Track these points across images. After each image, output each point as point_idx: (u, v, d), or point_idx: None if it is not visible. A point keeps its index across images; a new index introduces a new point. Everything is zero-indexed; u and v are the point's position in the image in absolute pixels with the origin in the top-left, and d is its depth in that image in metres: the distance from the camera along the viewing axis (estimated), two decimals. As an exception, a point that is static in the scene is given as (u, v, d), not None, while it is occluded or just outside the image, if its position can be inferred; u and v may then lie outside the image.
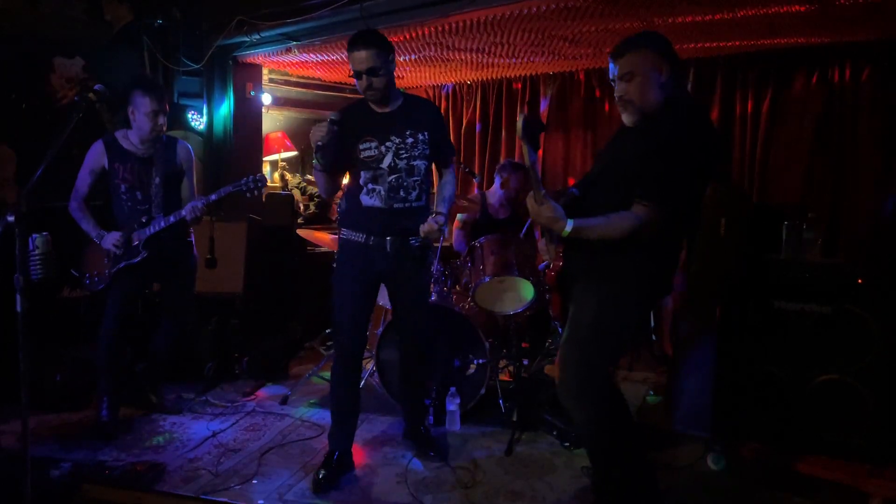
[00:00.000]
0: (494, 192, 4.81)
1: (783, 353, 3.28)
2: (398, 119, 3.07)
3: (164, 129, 3.60)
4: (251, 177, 3.43)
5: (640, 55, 2.42)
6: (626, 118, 2.52)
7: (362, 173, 3.06)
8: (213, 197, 3.48)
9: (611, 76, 2.52)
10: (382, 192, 3.05)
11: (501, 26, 4.00)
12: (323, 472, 3.14)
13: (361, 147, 3.03)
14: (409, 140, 3.06)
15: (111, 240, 3.52)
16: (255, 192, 3.45)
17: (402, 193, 3.07)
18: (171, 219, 3.50)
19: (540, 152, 5.78)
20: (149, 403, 3.95)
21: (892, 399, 3.05)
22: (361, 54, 2.91)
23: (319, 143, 2.90)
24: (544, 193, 2.36)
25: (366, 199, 3.07)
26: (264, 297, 5.05)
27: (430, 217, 3.07)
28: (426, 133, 3.10)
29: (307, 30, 4.53)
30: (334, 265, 4.38)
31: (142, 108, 3.48)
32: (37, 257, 2.94)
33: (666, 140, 2.34)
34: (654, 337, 4.99)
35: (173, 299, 3.90)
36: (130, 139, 3.59)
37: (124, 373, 3.83)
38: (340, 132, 2.92)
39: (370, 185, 3.05)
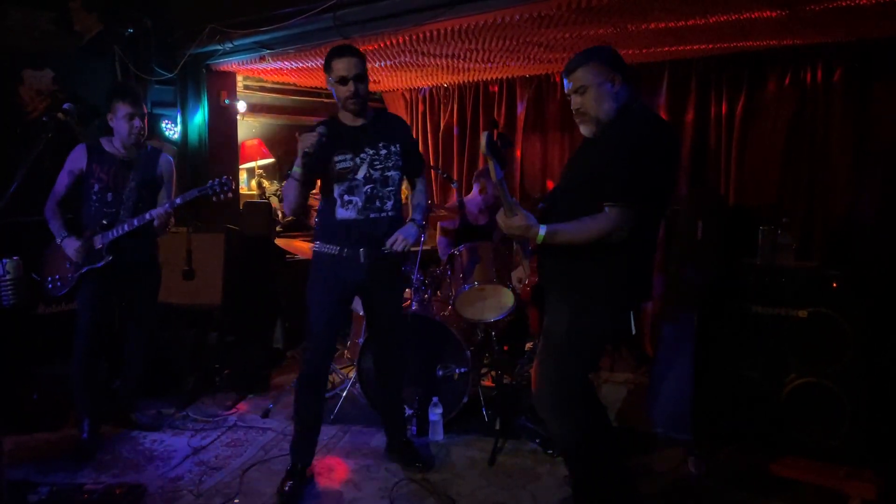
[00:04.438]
0: (473, 199, 4.81)
1: (760, 356, 3.31)
2: (370, 132, 3.13)
3: (144, 133, 3.59)
4: (217, 180, 3.39)
5: (591, 69, 2.50)
6: (584, 130, 2.59)
7: (336, 186, 3.09)
8: (178, 200, 3.45)
9: (566, 91, 2.59)
10: (359, 203, 3.09)
11: (476, 34, 3.99)
12: (290, 483, 3.15)
13: (337, 159, 3.07)
14: (383, 152, 3.12)
15: (71, 246, 3.46)
16: (223, 196, 3.40)
17: (377, 203, 3.12)
18: (136, 222, 3.45)
19: (518, 162, 5.80)
20: (128, 421, 3.91)
21: (868, 401, 3.09)
22: (351, 61, 3.00)
23: (308, 151, 2.91)
24: (513, 203, 2.37)
25: (341, 212, 3.10)
26: (243, 307, 5.01)
27: (401, 228, 3.12)
28: (398, 145, 3.17)
29: (281, 38, 4.50)
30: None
31: (118, 112, 3.48)
32: (7, 283, 2.89)
33: (623, 143, 2.41)
34: (634, 331, 5.02)
35: (139, 308, 3.82)
36: (114, 143, 3.60)
37: (102, 390, 3.78)
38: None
39: (346, 197, 3.09)
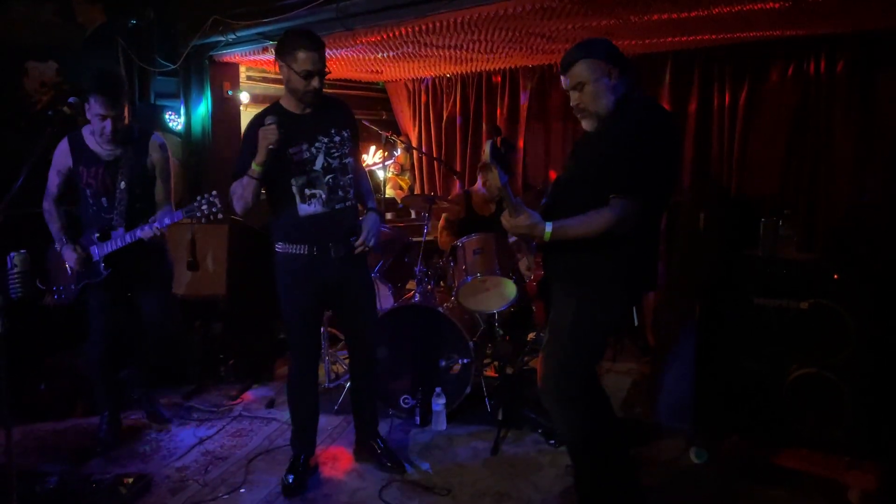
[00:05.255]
0: (478, 190, 4.82)
1: (762, 348, 3.32)
2: (320, 118, 3.02)
3: (119, 131, 3.28)
4: (205, 198, 3.11)
5: (587, 64, 2.48)
6: (585, 124, 2.59)
7: (294, 180, 2.96)
8: (167, 221, 3.23)
9: (564, 87, 2.59)
10: (323, 196, 2.98)
11: (478, 25, 3.99)
12: (292, 476, 3.18)
13: (292, 151, 2.94)
14: (337, 138, 3.03)
15: (69, 258, 3.31)
16: (212, 217, 3.13)
17: (340, 193, 3.03)
18: (128, 238, 3.29)
19: (521, 153, 5.81)
20: (152, 416, 3.88)
21: (869, 392, 3.10)
22: (317, 55, 2.87)
23: (272, 146, 2.80)
24: (517, 203, 2.37)
25: (305, 208, 2.98)
26: (248, 297, 5.03)
27: (363, 221, 3.05)
28: (348, 131, 3.09)
29: (284, 29, 4.47)
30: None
31: (91, 108, 3.21)
32: (15, 276, 2.90)
33: (626, 134, 2.41)
34: (636, 322, 5.04)
35: (151, 308, 3.63)
36: (95, 137, 3.34)
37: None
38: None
39: (307, 191, 2.97)
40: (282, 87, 6.25)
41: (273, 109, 3.00)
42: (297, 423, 3.28)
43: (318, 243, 3.00)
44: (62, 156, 3.40)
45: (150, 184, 3.49)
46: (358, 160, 3.23)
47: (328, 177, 3.00)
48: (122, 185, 3.32)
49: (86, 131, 3.40)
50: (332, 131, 3.02)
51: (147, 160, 3.45)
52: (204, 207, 3.11)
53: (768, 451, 3.26)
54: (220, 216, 3.13)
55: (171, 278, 3.78)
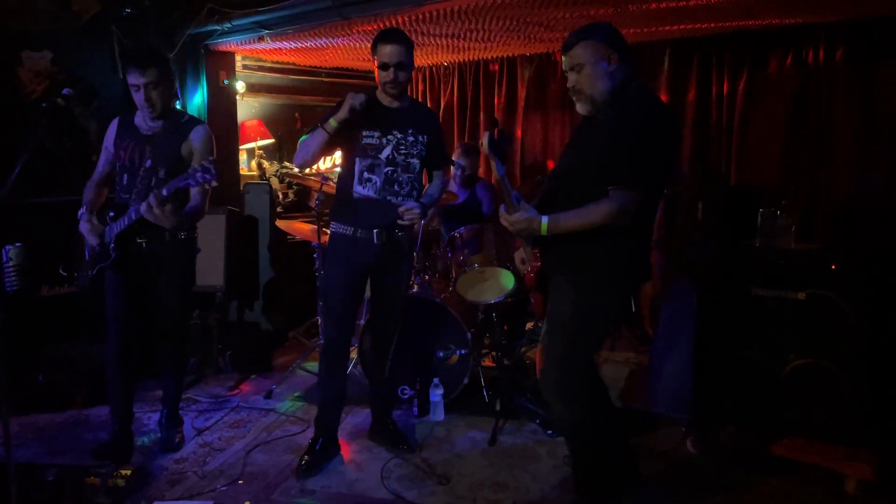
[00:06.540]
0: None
1: (760, 338, 3.32)
2: (403, 117, 3.19)
3: (157, 106, 3.12)
4: (199, 166, 2.81)
5: (588, 46, 2.48)
6: (579, 108, 2.59)
7: (358, 161, 3.12)
8: (165, 192, 2.86)
9: (564, 68, 2.59)
10: (378, 183, 3.12)
11: (476, 14, 3.96)
12: (307, 458, 3.22)
13: (364, 133, 3.11)
14: (410, 139, 3.17)
15: (84, 229, 3.08)
16: (207, 185, 2.89)
17: (396, 187, 3.15)
18: (133, 215, 3.01)
19: (518, 141, 5.80)
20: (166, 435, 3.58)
21: (867, 382, 3.11)
22: (395, 48, 3.04)
23: (356, 108, 2.97)
24: (515, 197, 2.37)
25: (359, 190, 3.13)
26: (245, 289, 5.03)
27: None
28: (426, 136, 3.21)
29: (280, 18, 4.45)
30: (315, 256, 4.38)
31: (129, 82, 3.08)
32: (11, 269, 2.88)
33: (624, 125, 2.40)
34: (633, 308, 5.05)
35: (168, 297, 3.37)
36: (142, 113, 3.19)
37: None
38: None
39: (366, 174, 3.13)
40: (278, 75, 6.33)
41: (367, 95, 3.12)
42: (321, 403, 3.33)
43: (363, 227, 3.14)
44: (110, 132, 3.29)
45: (182, 169, 3.11)
46: (436, 167, 3.39)
47: (388, 168, 3.13)
48: (148, 163, 3.13)
49: (139, 111, 3.25)
50: (410, 131, 3.17)
51: (183, 145, 3.21)
52: (198, 175, 2.82)
53: (766, 441, 3.26)
54: (214, 183, 2.86)
55: (192, 268, 3.53)
